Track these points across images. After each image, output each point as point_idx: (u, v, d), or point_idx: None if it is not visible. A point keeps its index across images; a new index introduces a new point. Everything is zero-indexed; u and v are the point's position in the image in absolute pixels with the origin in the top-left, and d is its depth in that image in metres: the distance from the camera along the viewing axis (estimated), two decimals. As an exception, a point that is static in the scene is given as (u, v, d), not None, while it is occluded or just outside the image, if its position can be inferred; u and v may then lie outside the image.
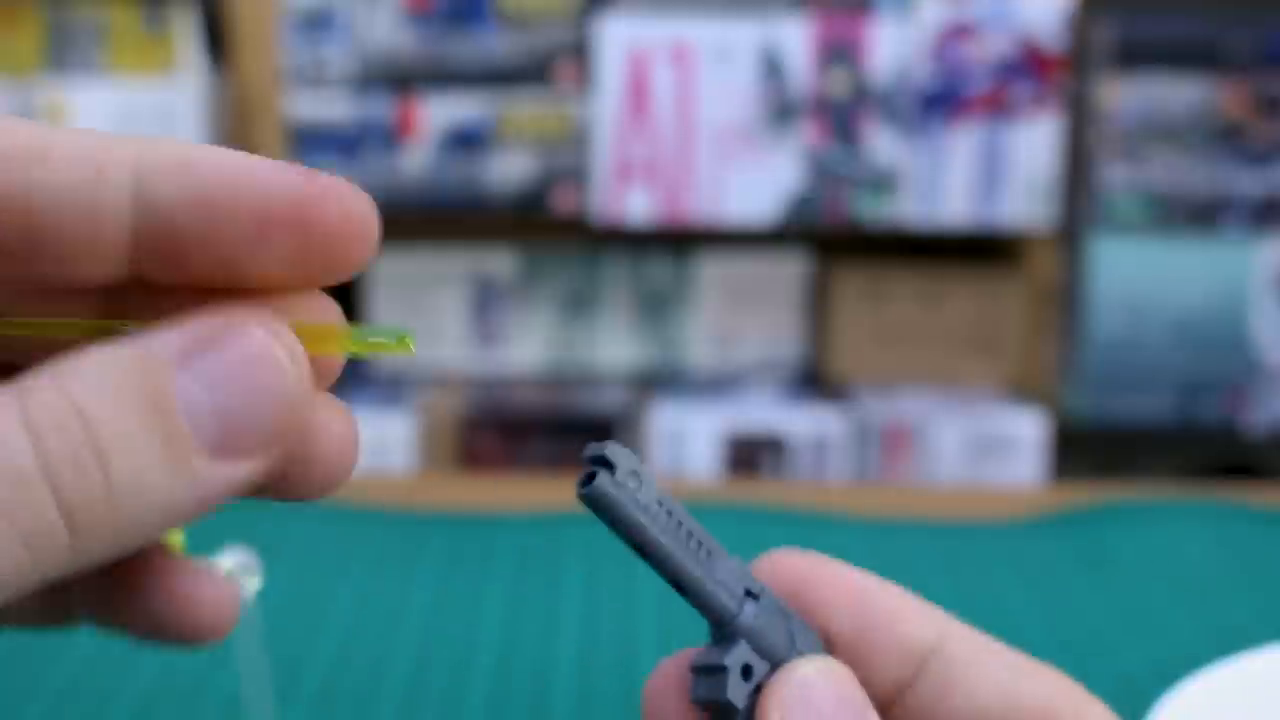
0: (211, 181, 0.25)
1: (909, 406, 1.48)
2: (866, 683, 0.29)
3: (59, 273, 0.25)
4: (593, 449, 0.27)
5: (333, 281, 0.26)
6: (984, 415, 1.45)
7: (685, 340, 1.55)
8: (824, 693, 0.28)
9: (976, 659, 0.29)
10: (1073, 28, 1.43)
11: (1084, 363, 1.49)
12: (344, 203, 0.25)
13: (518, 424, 1.47)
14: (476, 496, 0.73)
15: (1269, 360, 1.48)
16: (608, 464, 0.27)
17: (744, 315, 1.55)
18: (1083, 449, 1.61)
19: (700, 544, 0.28)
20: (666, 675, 0.30)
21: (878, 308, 1.53)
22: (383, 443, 1.44)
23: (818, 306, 1.55)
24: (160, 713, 0.52)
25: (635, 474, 0.27)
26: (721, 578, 0.28)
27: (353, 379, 1.54)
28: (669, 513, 0.27)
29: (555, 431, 1.47)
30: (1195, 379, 1.48)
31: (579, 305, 1.54)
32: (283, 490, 0.27)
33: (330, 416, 0.27)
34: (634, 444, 1.48)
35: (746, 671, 0.28)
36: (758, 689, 0.28)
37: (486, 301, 1.54)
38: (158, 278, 0.26)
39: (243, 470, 0.25)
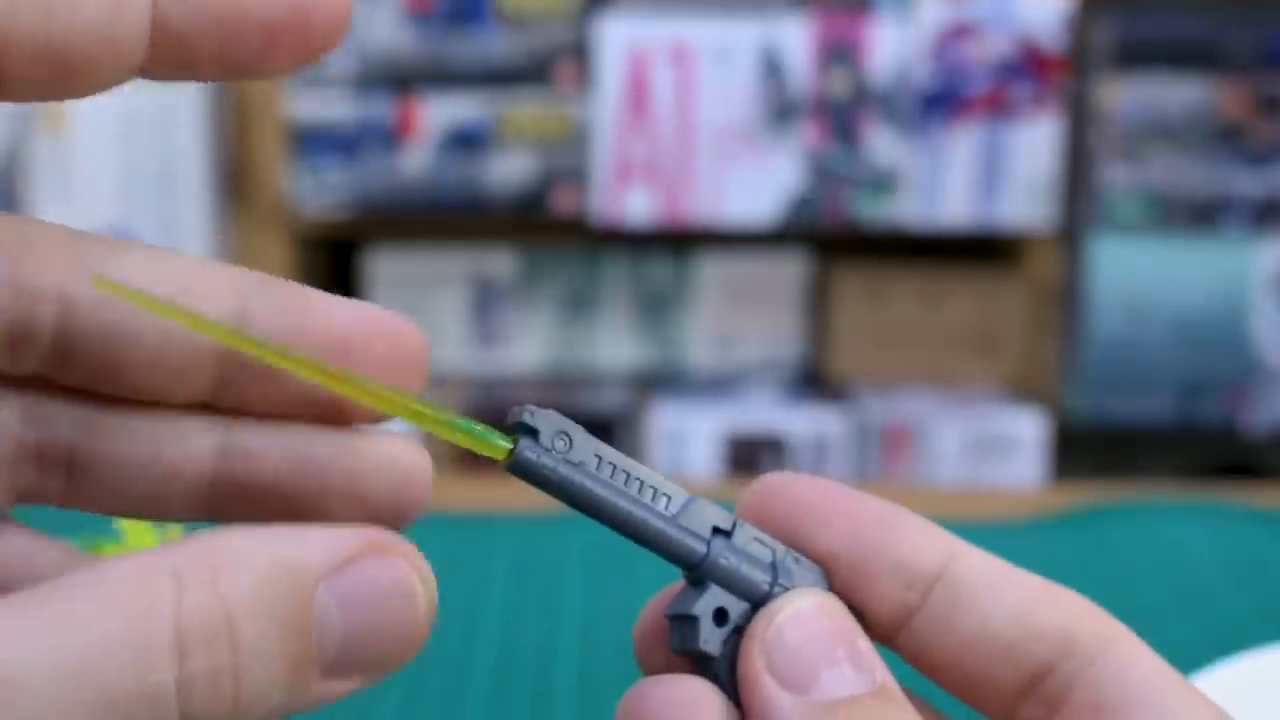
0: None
1: (909, 406, 1.48)
2: (867, 609, 0.27)
3: (84, 90, 0.25)
4: (512, 416, 0.26)
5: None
6: (984, 415, 1.45)
7: (685, 340, 1.55)
8: (809, 630, 0.26)
9: (988, 583, 0.27)
10: (1073, 28, 1.43)
11: (1084, 363, 1.49)
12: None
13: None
14: (476, 496, 0.73)
15: (1269, 360, 1.48)
16: (531, 430, 0.26)
17: (744, 315, 1.55)
18: (1083, 449, 1.61)
19: (655, 490, 0.27)
20: (652, 621, 0.28)
21: (878, 308, 1.53)
22: (383, 443, 1.44)
23: (818, 306, 1.55)
24: (160, 713, 0.52)
25: (563, 434, 0.26)
26: (684, 521, 0.27)
27: (353, 379, 1.54)
28: (612, 465, 0.27)
29: (555, 431, 1.47)
30: (1195, 379, 1.48)
31: (579, 305, 1.54)
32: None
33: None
34: (634, 444, 1.48)
35: (720, 616, 0.27)
36: (738, 630, 0.27)
37: (486, 301, 1.54)
38: None
39: (343, 688, 0.24)
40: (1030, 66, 1.40)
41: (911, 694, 0.28)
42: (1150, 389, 1.49)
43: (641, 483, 0.27)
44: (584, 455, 0.26)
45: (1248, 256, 1.46)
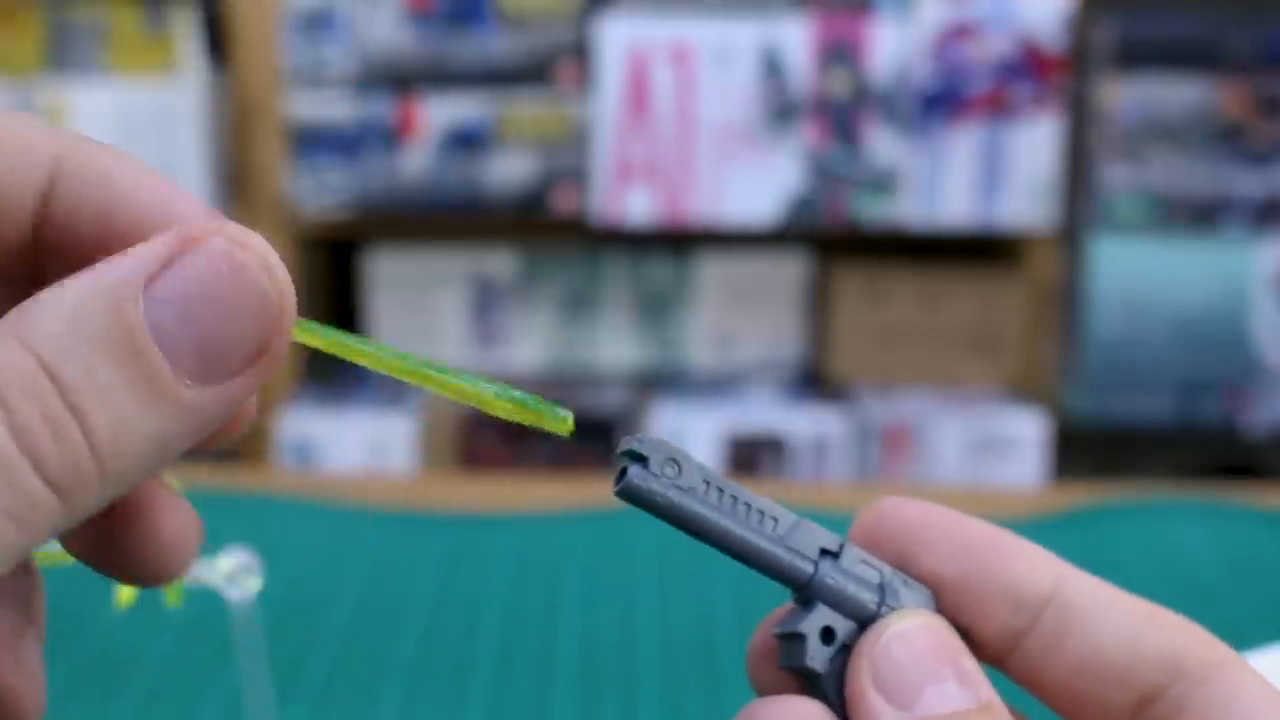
0: (124, 201, 0.24)
1: (909, 406, 1.48)
2: (978, 631, 0.28)
3: None
4: (624, 443, 0.27)
5: None
6: (984, 415, 1.45)
7: (685, 340, 1.55)
8: (915, 648, 0.26)
9: (1096, 606, 0.27)
10: (1073, 28, 1.43)
11: (1084, 363, 1.49)
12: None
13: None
14: (476, 496, 0.73)
15: (1269, 360, 1.48)
16: (640, 458, 0.27)
17: (744, 315, 1.55)
18: (1083, 449, 1.61)
19: (763, 513, 0.28)
20: (764, 640, 0.29)
21: (878, 308, 1.53)
22: (383, 443, 1.44)
23: (818, 307, 1.55)
24: (160, 712, 0.52)
25: (672, 460, 0.27)
26: (792, 543, 0.28)
27: (354, 379, 1.54)
28: (720, 490, 0.27)
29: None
30: (1195, 379, 1.48)
31: (579, 305, 1.54)
32: (114, 570, 0.26)
33: (173, 510, 0.26)
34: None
35: (827, 634, 0.27)
36: (844, 648, 0.27)
37: (487, 302, 1.54)
38: (53, 262, 0.25)
39: (237, 387, 0.24)
40: (1030, 66, 1.40)
41: (1016, 713, 0.28)
42: (1150, 389, 1.49)
43: (749, 506, 0.27)
44: (693, 481, 0.27)
45: (1248, 256, 1.46)
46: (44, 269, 0.25)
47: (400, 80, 1.42)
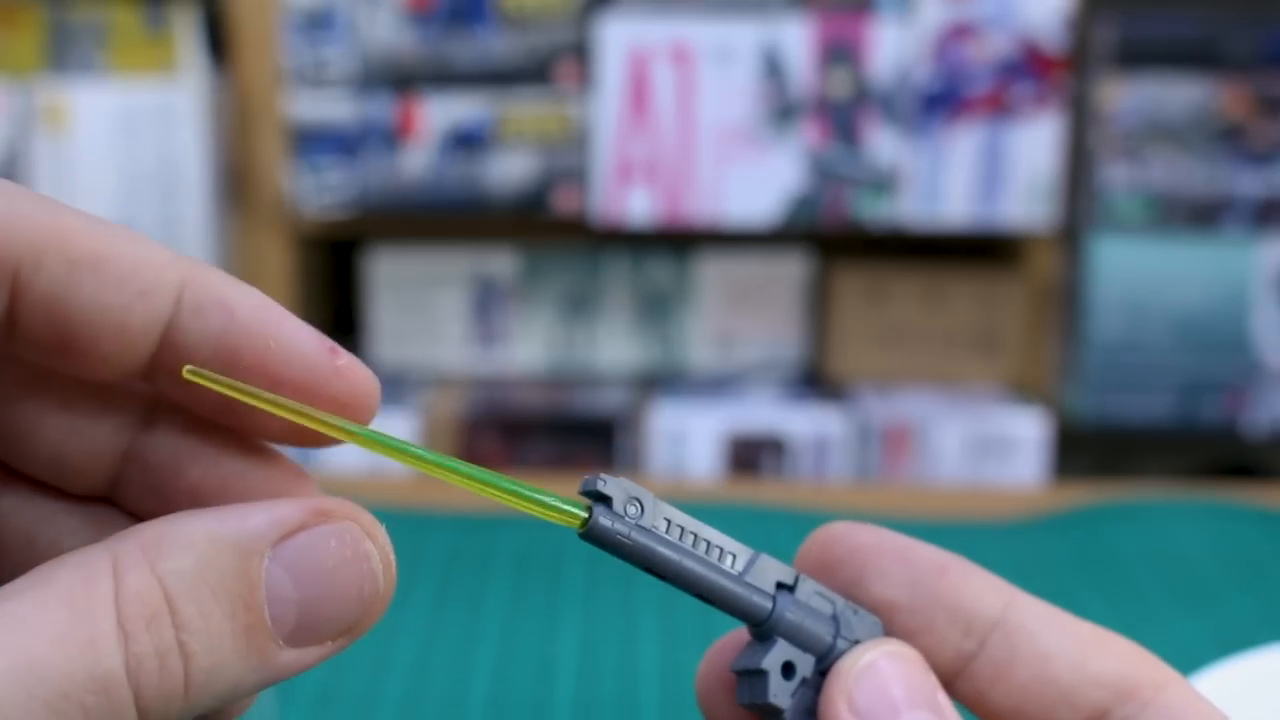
0: (243, 331, 0.25)
1: (909, 406, 1.48)
2: (928, 656, 0.28)
3: (79, 368, 0.25)
4: (585, 484, 0.27)
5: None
6: (984, 415, 1.45)
7: (685, 340, 1.55)
8: (893, 678, 0.27)
9: (1044, 629, 0.28)
10: (1073, 28, 1.43)
11: (1084, 363, 1.49)
12: (356, 385, 0.26)
13: (518, 424, 1.47)
14: (476, 496, 0.73)
15: (1269, 360, 1.48)
16: (604, 497, 0.27)
17: (744, 315, 1.55)
18: (1083, 449, 1.61)
19: (721, 550, 0.28)
20: (713, 671, 0.29)
21: (878, 308, 1.53)
22: (383, 443, 1.44)
23: (818, 306, 1.55)
24: (160, 713, 0.52)
25: (635, 500, 0.27)
26: (750, 578, 0.28)
27: (353, 379, 1.54)
28: (680, 528, 0.27)
29: (555, 431, 1.47)
30: (1195, 379, 1.48)
31: (579, 305, 1.54)
32: None
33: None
34: (634, 444, 1.48)
35: (788, 669, 0.28)
36: (803, 682, 0.28)
37: (487, 301, 1.54)
38: (173, 396, 0.26)
39: (312, 656, 0.25)
40: (1031, 66, 1.40)
41: None
42: (1150, 389, 1.49)
43: (708, 543, 0.28)
44: (654, 519, 0.27)
45: (1248, 256, 1.46)
46: (158, 391, 0.26)
47: (400, 80, 1.42)
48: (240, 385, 0.25)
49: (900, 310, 1.52)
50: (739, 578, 0.28)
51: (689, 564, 0.27)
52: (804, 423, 1.45)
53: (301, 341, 0.25)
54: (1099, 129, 1.45)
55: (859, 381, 1.53)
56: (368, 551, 0.25)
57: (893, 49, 1.40)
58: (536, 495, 0.26)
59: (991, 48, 1.40)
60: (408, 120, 1.42)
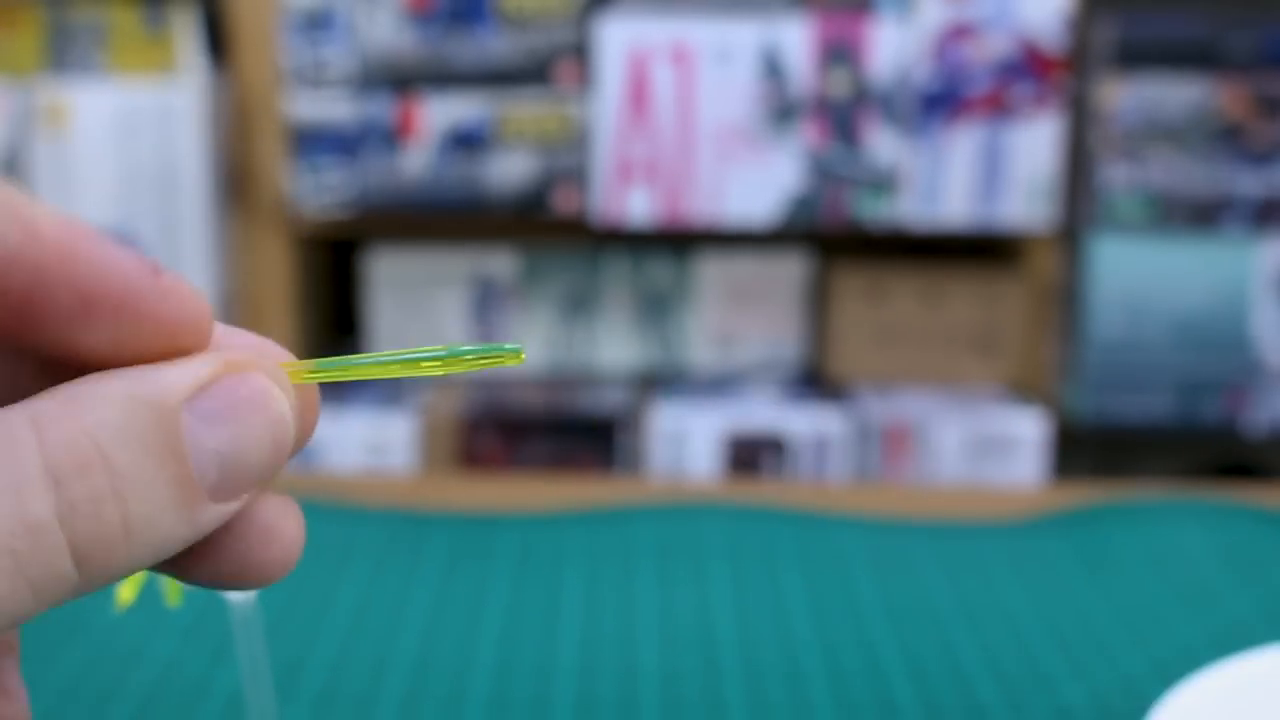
0: (47, 248, 0.24)
1: (909, 406, 1.48)
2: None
3: None
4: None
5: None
6: (984, 415, 1.45)
7: (685, 340, 1.55)
8: None
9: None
10: (1073, 28, 1.43)
11: (1084, 363, 1.49)
12: (185, 305, 0.25)
13: (518, 424, 1.47)
14: (476, 496, 0.73)
15: (1269, 360, 1.48)
16: None
17: (744, 315, 1.55)
18: (1083, 449, 1.61)
19: None
20: None
21: (878, 308, 1.53)
22: (383, 443, 1.44)
23: (818, 306, 1.55)
24: (161, 712, 0.52)
25: None
26: None
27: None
28: None
29: (555, 431, 1.47)
30: (1195, 379, 1.48)
31: (579, 305, 1.54)
32: (220, 582, 0.26)
33: (283, 516, 0.26)
34: (635, 444, 1.48)
35: None
36: None
37: (487, 301, 1.54)
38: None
39: (230, 509, 0.25)
40: (1030, 66, 1.40)
41: None
42: (1150, 389, 1.49)
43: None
44: None
45: (1248, 256, 1.46)
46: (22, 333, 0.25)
47: (400, 80, 1.42)
48: (334, 362, 0.25)
49: (900, 310, 1.52)
50: None
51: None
52: (804, 423, 1.45)
53: (118, 259, 0.24)
54: (1099, 129, 1.45)
55: (859, 381, 1.53)
56: (277, 397, 0.25)
57: (892, 49, 1.40)
58: (470, 350, 0.27)
59: (991, 48, 1.40)
60: (407, 120, 1.42)
